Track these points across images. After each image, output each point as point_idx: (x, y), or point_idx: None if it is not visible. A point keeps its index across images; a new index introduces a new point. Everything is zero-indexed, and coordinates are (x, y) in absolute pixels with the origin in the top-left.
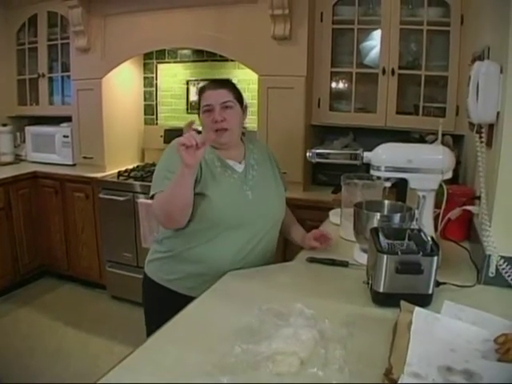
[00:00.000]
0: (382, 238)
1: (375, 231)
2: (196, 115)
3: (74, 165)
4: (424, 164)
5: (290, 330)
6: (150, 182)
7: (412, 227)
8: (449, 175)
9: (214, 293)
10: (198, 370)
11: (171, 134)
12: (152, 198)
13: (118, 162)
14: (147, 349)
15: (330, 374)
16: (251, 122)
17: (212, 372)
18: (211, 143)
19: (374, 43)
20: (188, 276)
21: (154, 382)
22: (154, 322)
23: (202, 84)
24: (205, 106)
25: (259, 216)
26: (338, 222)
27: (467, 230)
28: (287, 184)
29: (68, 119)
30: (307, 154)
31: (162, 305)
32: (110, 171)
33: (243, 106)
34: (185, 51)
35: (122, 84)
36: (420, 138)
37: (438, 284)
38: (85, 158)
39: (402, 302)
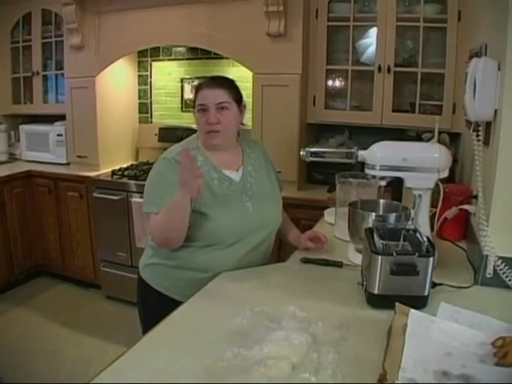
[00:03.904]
0: (376, 238)
1: (370, 231)
2: (191, 113)
3: (67, 164)
4: (420, 162)
5: (282, 333)
6: (144, 180)
7: (408, 227)
8: (445, 174)
9: (205, 294)
10: (187, 374)
11: (166, 133)
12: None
13: (112, 161)
14: (137, 352)
15: (323, 379)
16: (246, 120)
17: (202, 376)
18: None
19: (370, 41)
20: (187, 284)
21: None
22: (151, 325)
23: (197, 82)
24: (199, 105)
25: (260, 226)
26: (333, 222)
27: (464, 230)
28: (282, 183)
29: (62, 117)
30: (301, 153)
31: (157, 310)
32: (104, 170)
33: (241, 106)
34: (179, 49)
35: (116, 82)
36: (416, 136)
37: (433, 285)
38: (79, 156)
39: (397, 304)
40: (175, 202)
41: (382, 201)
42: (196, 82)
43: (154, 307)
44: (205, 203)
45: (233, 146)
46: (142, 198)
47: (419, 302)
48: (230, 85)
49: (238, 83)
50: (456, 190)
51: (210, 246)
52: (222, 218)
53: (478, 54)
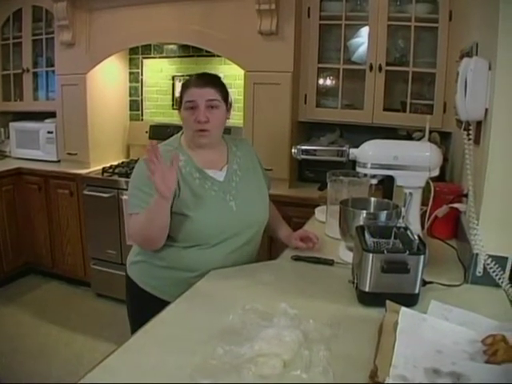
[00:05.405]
0: (367, 236)
1: (361, 229)
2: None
3: (58, 161)
4: (411, 161)
5: (274, 331)
6: None
7: (398, 225)
8: (436, 172)
9: (196, 292)
10: (178, 372)
11: (156, 130)
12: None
13: (102, 158)
14: (127, 350)
15: (314, 376)
16: (237, 118)
17: (193, 375)
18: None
19: (361, 40)
20: (174, 283)
21: None
22: (138, 324)
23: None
24: (188, 101)
25: (245, 226)
26: (324, 220)
27: (454, 228)
28: (271, 181)
29: (52, 115)
30: (292, 151)
31: (145, 309)
32: (95, 167)
33: (228, 104)
34: (171, 46)
35: (107, 79)
36: (407, 135)
37: (424, 283)
38: (69, 154)
39: (388, 302)
40: (154, 201)
41: (372, 199)
42: (186, 78)
43: (142, 306)
44: (186, 204)
45: (218, 144)
46: None
47: (410, 300)
48: (218, 83)
49: (224, 80)
50: (446, 188)
51: (194, 246)
52: (204, 219)
53: (468, 54)
